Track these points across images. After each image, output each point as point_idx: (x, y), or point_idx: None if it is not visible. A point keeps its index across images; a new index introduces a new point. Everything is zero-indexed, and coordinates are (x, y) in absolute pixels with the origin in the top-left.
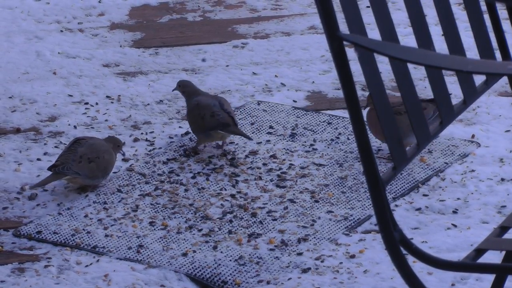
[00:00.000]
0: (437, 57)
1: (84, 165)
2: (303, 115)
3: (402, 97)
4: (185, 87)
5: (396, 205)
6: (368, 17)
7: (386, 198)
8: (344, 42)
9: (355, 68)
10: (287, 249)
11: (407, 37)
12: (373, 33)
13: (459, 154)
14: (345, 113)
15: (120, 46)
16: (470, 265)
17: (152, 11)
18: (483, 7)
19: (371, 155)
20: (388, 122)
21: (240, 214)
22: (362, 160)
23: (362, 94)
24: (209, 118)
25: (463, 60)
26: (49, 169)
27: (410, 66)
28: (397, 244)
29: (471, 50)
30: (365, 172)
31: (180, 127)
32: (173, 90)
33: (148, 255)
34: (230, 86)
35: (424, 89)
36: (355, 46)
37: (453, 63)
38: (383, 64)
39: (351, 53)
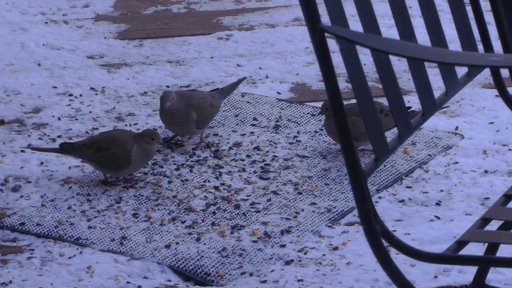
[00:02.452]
0: (418, 48)
1: (91, 151)
2: (287, 107)
3: (383, 89)
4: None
5: (380, 197)
6: (351, 9)
7: (367, 190)
8: (326, 34)
9: (339, 60)
10: (270, 241)
11: (391, 29)
12: (357, 25)
13: (443, 146)
14: None
15: (105, 37)
16: (451, 257)
17: (137, 2)
18: None
19: (352, 147)
20: (369, 114)
21: (223, 206)
22: (343, 151)
23: (346, 86)
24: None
25: (445, 52)
26: (62, 143)
27: (394, 58)
28: (378, 236)
29: (455, 42)
30: (347, 163)
31: None
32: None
33: (131, 247)
34: (214, 78)
35: (408, 81)
36: (336, 38)
37: (434, 55)
38: (368, 56)
39: (333, 45)
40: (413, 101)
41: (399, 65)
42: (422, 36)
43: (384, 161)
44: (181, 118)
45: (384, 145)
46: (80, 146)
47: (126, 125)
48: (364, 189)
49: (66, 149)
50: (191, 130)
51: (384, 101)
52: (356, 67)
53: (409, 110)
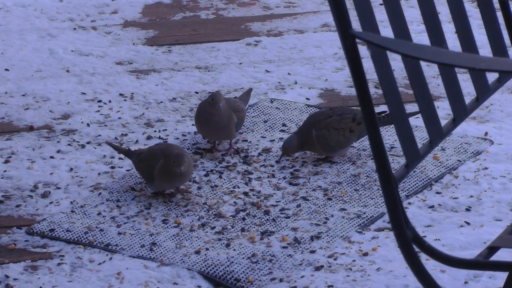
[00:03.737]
0: (450, 54)
1: (136, 160)
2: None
3: (414, 95)
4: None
5: (409, 203)
6: (380, 14)
7: (398, 196)
8: (357, 40)
9: (368, 65)
10: (300, 247)
11: (420, 35)
12: (386, 30)
13: (472, 152)
14: None
15: (133, 44)
16: (483, 263)
17: (165, 8)
18: (496, 4)
19: (384, 153)
20: (400, 120)
21: (253, 212)
22: (374, 157)
23: (375, 91)
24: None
25: (476, 58)
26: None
27: (423, 63)
28: (409, 242)
29: (484, 47)
30: (378, 169)
31: (193, 124)
32: None
33: (161, 253)
34: (243, 84)
35: (437, 87)
36: (367, 44)
37: (466, 61)
38: (396, 62)
39: (363, 51)
40: (442, 107)
41: (428, 71)
42: (451, 42)
43: (414, 167)
44: (226, 121)
45: (415, 151)
46: (134, 154)
47: (155, 131)
48: (395, 195)
49: (129, 153)
50: (231, 133)
51: (413, 106)
52: (387, 73)
53: (383, 114)
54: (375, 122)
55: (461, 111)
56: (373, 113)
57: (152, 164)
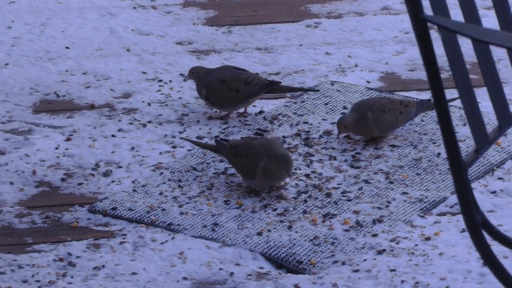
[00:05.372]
0: None
1: (231, 153)
2: (376, 96)
3: (484, 79)
4: (199, 72)
5: (471, 188)
6: None
7: (468, 181)
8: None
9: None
10: (362, 230)
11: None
12: (452, 14)
13: None
14: (419, 95)
15: (193, 24)
16: None
17: None
18: None
19: (454, 137)
20: (469, 105)
21: (314, 194)
22: (444, 142)
23: None
24: (245, 87)
25: None
26: (217, 139)
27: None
28: (478, 226)
29: None
30: (448, 154)
31: (254, 106)
32: (185, 80)
33: (223, 233)
34: (303, 66)
35: (498, 72)
36: (439, 28)
37: None
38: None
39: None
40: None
41: None
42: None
43: (484, 152)
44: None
45: (485, 136)
46: (227, 146)
47: (215, 111)
48: (465, 180)
49: (219, 145)
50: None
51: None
52: (458, 57)
53: (425, 100)
54: (446, 106)
55: None
56: (444, 97)
57: (254, 160)
